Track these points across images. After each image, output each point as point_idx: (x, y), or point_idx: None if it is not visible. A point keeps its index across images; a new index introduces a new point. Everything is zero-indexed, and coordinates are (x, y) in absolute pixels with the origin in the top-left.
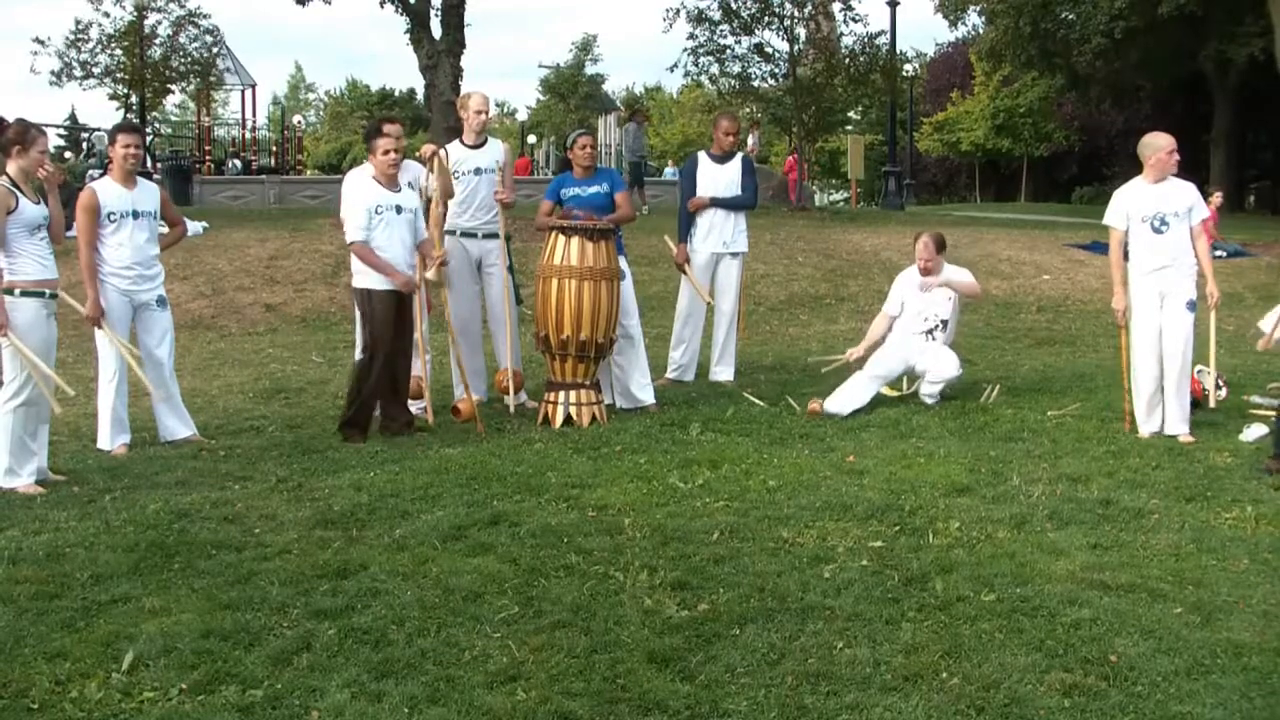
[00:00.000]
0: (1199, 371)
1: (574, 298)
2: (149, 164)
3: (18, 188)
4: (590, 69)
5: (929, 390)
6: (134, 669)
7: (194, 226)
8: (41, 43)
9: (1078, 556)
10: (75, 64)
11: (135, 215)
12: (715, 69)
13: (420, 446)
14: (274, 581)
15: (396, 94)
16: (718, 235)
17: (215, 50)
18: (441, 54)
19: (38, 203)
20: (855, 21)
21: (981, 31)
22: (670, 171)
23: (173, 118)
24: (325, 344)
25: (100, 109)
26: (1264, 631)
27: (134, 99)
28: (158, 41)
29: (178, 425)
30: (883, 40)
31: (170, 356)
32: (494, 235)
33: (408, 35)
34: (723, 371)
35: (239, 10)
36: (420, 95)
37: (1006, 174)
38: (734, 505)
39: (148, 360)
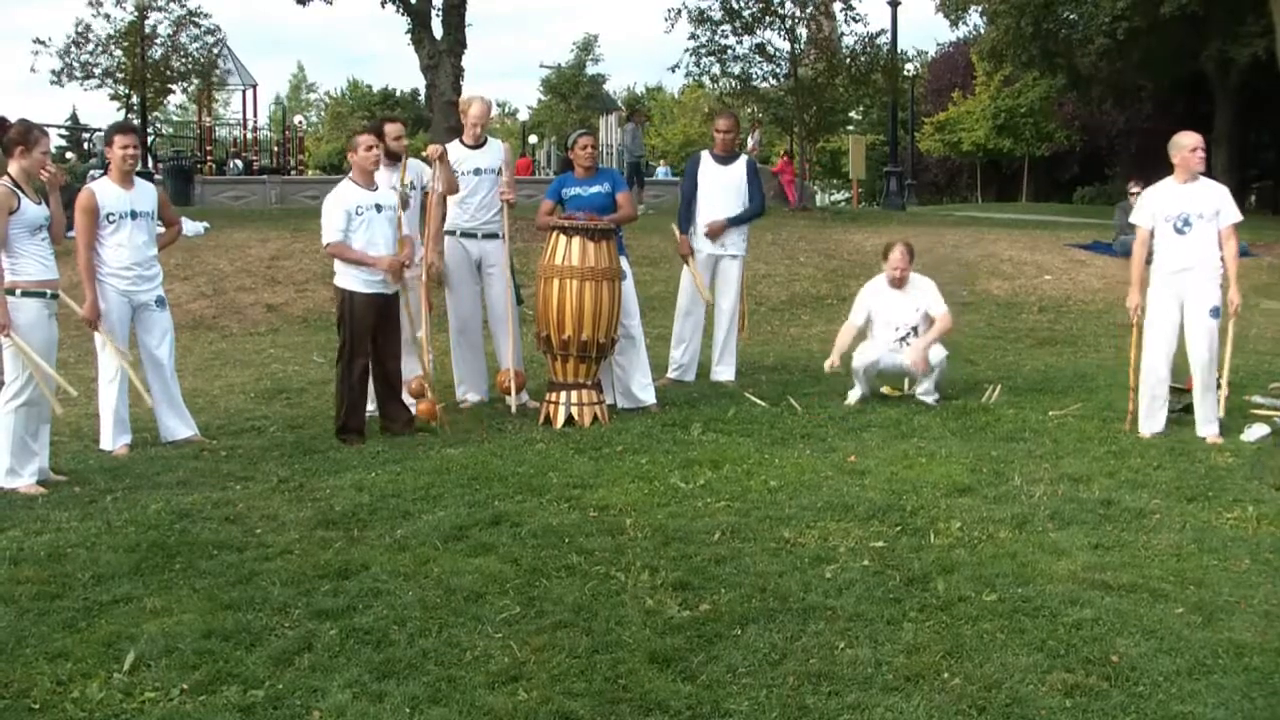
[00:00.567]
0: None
1: (575, 298)
2: (150, 164)
3: (19, 188)
4: (591, 69)
5: (925, 388)
6: (135, 669)
7: (195, 227)
8: (42, 43)
9: (1079, 556)
10: (76, 64)
11: (134, 216)
12: (716, 69)
13: (421, 447)
14: (275, 582)
15: (398, 94)
16: (716, 237)
17: (216, 50)
18: (442, 54)
19: (39, 203)
20: (855, 21)
21: (982, 31)
22: (662, 171)
23: (174, 118)
24: (326, 344)
25: (101, 109)
26: (1265, 631)
27: (135, 99)
28: (158, 41)
29: (179, 425)
30: (884, 40)
31: (171, 357)
32: (494, 235)
33: (409, 35)
34: (724, 371)
35: (239, 10)
36: (422, 95)
37: (1008, 174)
38: (735, 505)
39: (148, 361)
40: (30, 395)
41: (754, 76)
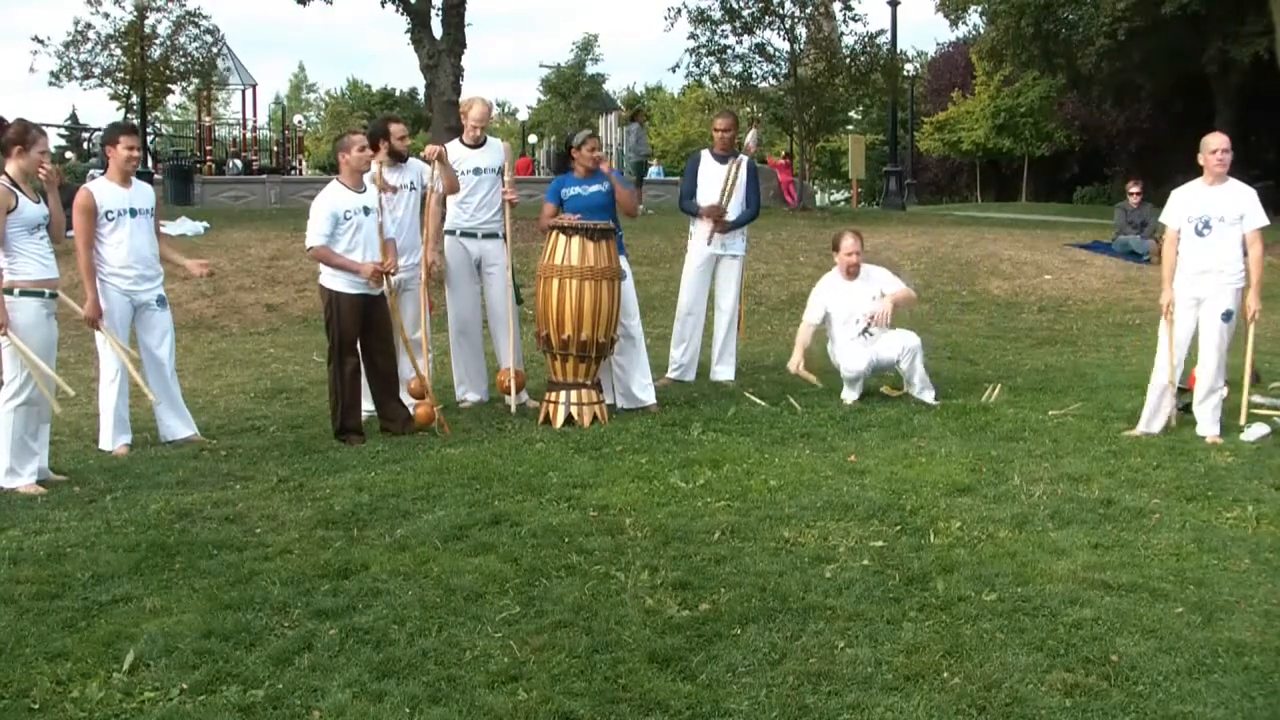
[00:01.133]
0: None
1: (575, 297)
2: (149, 164)
3: (17, 187)
4: (591, 69)
5: (918, 383)
6: (135, 669)
7: (194, 227)
8: (41, 42)
9: (1079, 556)
10: (75, 64)
11: (133, 213)
12: (716, 69)
13: (421, 446)
14: (275, 581)
15: (397, 94)
16: (716, 237)
17: (215, 50)
18: (442, 54)
19: (38, 202)
20: (854, 21)
21: (982, 31)
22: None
23: (174, 118)
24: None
25: (101, 109)
26: (1265, 631)
27: (134, 99)
28: (158, 41)
29: (179, 425)
30: (883, 39)
31: (171, 357)
32: (494, 235)
33: (408, 35)
34: (724, 371)
35: (239, 10)
36: (421, 95)
37: (1007, 174)
38: (735, 505)
39: (148, 360)
40: (30, 395)
41: (754, 76)
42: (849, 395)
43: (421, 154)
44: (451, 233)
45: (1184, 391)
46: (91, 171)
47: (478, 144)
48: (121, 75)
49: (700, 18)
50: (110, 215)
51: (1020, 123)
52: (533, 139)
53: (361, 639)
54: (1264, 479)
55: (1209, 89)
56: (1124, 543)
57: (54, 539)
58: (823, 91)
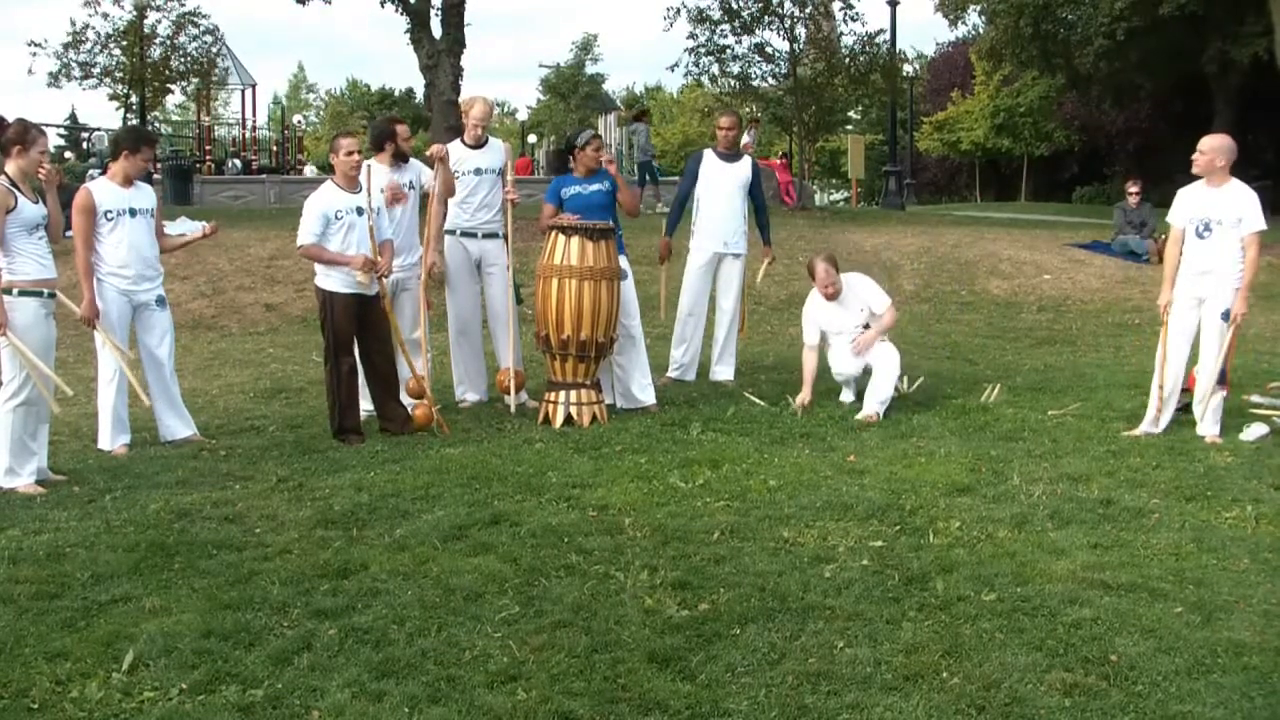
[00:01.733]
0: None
1: (574, 297)
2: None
3: (17, 187)
4: (590, 69)
5: (877, 396)
6: (134, 669)
7: (193, 226)
8: (39, 45)
9: (1078, 556)
10: (74, 64)
11: (132, 213)
12: (715, 69)
13: (420, 446)
14: (274, 581)
15: (396, 94)
16: (719, 235)
17: (215, 50)
18: (442, 54)
19: (37, 202)
20: (853, 20)
21: (981, 31)
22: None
23: (173, 118)
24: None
25: (100, 109)
26: (1264, 631)
27: (134, 99)
28: (157, 41)
29: (178, 425)
30: (882, 39)
31: (171, 357)
32: (494, 235)
33: (408, 35)
34: (723, 371)
35: (239, 10)
36: (420, 95)
37: (1007, 173)
38: (734, 505)
39: (148, 360)
40: (28, 395)
41: (753, 76)
42: (846, 395)
43: (427, 154)
44: (452, 232)
45: (1184, 391)
46: (91, 172)
47: (479, 144)
48: (121, 75)
49: (699, 18)
50: (109, 215)
51: (1019, 123)
52: (532, 139)
53: (361, 639)
54: (1263, 479)
55: (1208, 89)
56: (1123, 543)
57: (53, 539)
58: (822, 91)
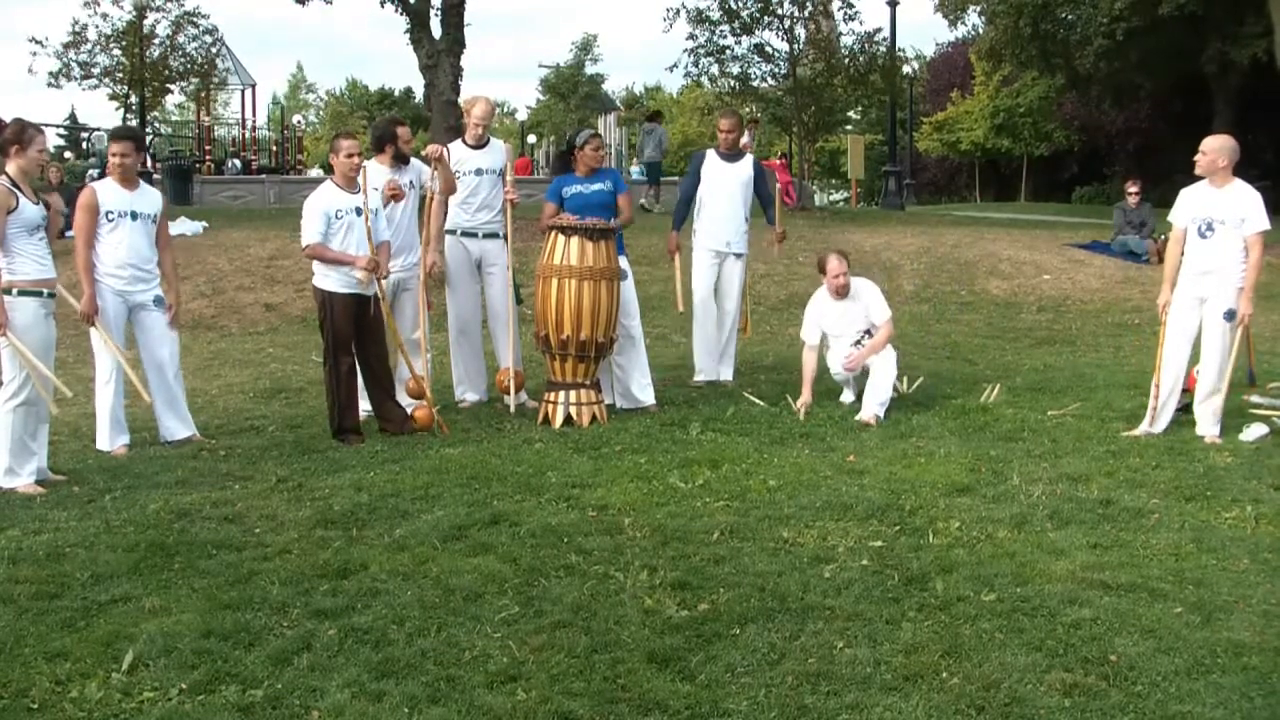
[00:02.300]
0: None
1: (574, 297)
2: (149, 164)
3: (18, 187)
4: (590, 69)
5: (875, 398)
6: (134, 669)
7: (193, 226)
8: (39, 43)
9: (1078, 556)
10: (74, 64)
11: (134, 216)
12: (715, 69)
13: (420, 446)
14: (274, 581)
15: (395, 94)
16: (721, 235)
17: (214, 50)
18: (441, 54)
19: (37, 203)
20: (850, 20)
21: (981, 31)
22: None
23: (173, 118)
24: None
25: (100, 109)
26: (1264, 631)
27: (134, 99)
28: (157, 41)
29: (177, 426)
30: (881, 37)
31: (174, 358)
32: (494, 235)
33: (408, 35)
34: (723, 371)
35: (239, 10)
36: (419, 95)
37: (1006, 173)
38: (734, 505)
39: (149, 362)
40: (28, 395)
41: (752, 77)
42: (847, 395)
43: (423, 153)
44: (452, 232)
45: (1184, 392)
46: (91, 171)
47: (480, 144)
48: (121, 75)
49: (699, 18)
50: (111, 216)
51: (1019, 123)
52: (532, 139)
53: (360, 639)
54: (1263, 479)
55: (1208, 89)
56: (1123, 543)
57: (53, 539)
58: (822, 91)
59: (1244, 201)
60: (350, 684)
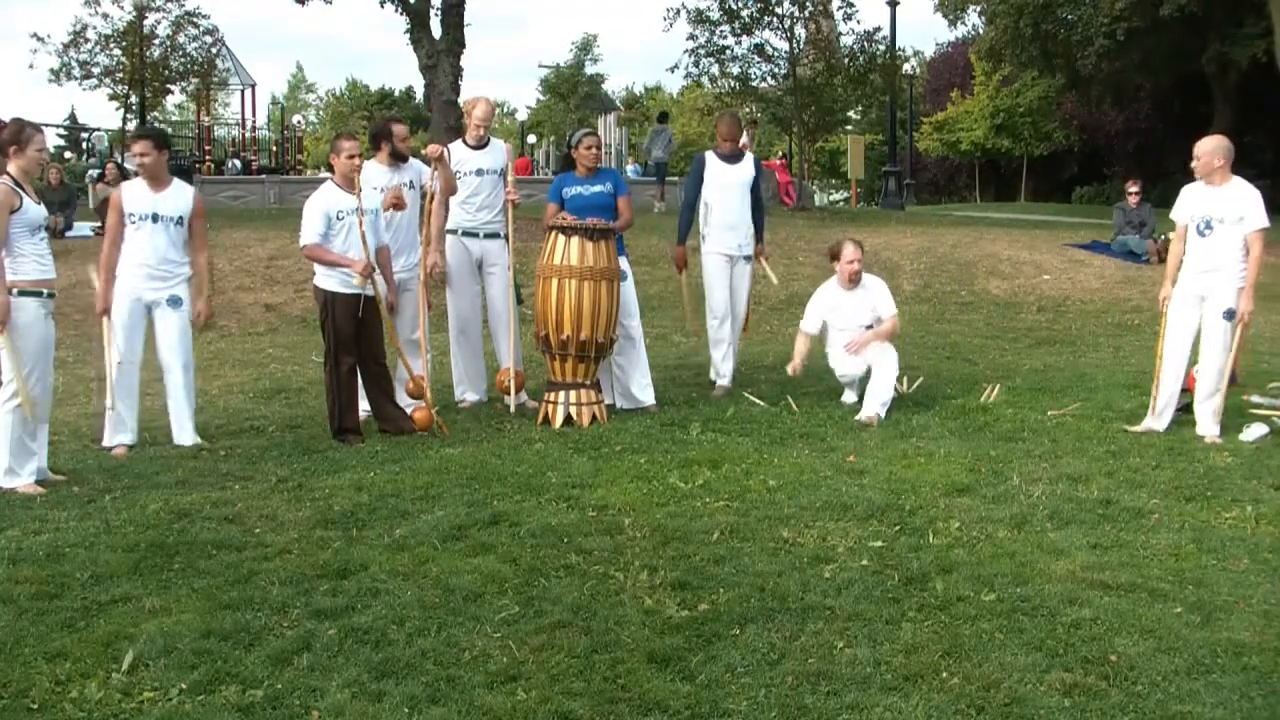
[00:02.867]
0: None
1: (574, 298)
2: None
3: (20, 187)
4: (590, 69)
5: (876, 397)
6: (134, 669)
7: None
8: (41, 39)
9: (1078, 556)
10: (75, 63)
11: (155, 219)
12: (715, 69)
13: (420, 446)
14: (274, 581)
15: (395, 94)
16: (732, 239)
17: (215, 50)
18: (441, 54)
19: (38, 203)
20: (849, 19)
21: (981, 31)
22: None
23: (173, 118)
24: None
25: (100, 109)
26: (1264, 631)
27: (134, 99)
28: (157, 41)
29: (176, 429)
30: (880, 35)
31: (180, 359)
32: (495, 235)
33: (407, 35)
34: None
35: (239, 10)
36: (419, 95)
37: (1006, 174)
38: (734, 505)
39: (161, 361)
40: (29, 395)
41: (753, 77)
42: (848, 396)
43: (423, 152)
44: (453, 232)
45: (1184, 392)
46: (91, 172)
47: (481, 144)
48: (121, 75)
49: (699, 18)
50: (133, 218)
51: (1019, 123)
52: (531, 139)
53: (360, 639)
54: (1263, 479)
55: (1208, 89)
56: (1123, 543)
57: (53, 539)
58: (821, 91)
59: (1243, 199)
60: (350, 684)
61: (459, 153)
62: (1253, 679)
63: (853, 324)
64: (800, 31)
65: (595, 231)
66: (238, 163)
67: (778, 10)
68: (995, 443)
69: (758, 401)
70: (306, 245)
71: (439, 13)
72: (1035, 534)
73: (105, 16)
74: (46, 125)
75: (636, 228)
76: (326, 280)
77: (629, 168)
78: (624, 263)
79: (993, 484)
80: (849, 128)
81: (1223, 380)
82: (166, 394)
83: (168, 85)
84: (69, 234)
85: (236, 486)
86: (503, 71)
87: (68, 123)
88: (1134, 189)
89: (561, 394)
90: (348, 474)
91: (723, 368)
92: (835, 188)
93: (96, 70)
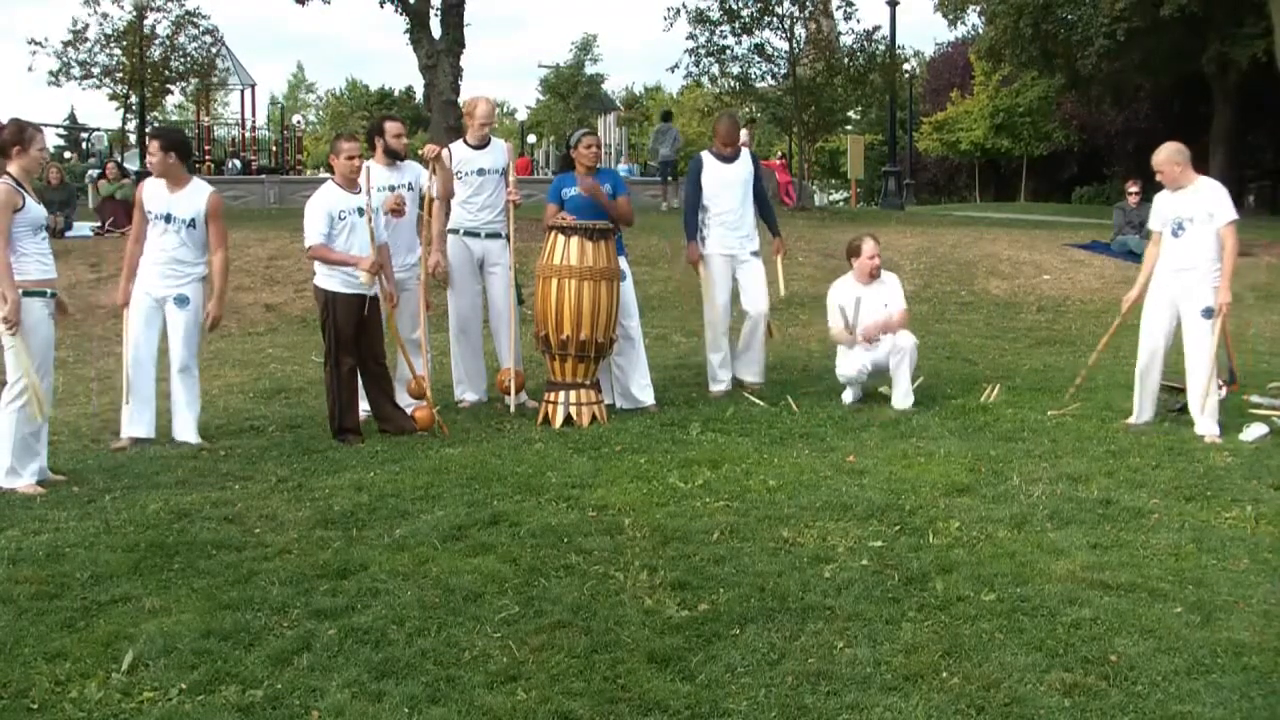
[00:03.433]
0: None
1: (574, 297)
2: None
3: (22, 187)
4: (590, 69)
5: (899, 389)
6: (134, 669)
7: None
8: (39, 43)
9: (1078, 556)
10: (74, 64)
11: (168, 219)
12: (715, 69)
13: (420, 446)
14: (274, 581)
15: (395, 94)
16: (732, 239)
17: (214, 50)
18: (441, 54)
19: (40, 203)
20: (848, 19)
21: (981, 31)
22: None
23: (173, 118)
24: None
25: (100, 109)
26: (1264, 631)
27: (134, 99)
28: (157, 41)
29: (179, 426)
30: (880, 35)
31: (184, 358)
32: (497, 235)
33: (407, 35)
34: (750, 374)
35: (239, 10)
36: (419, 95)
37: (1006, 174)
38: (734, 505)
39: (170, 357)
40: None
41: (753, 77)
42: (848, 396)
43: (420, 152)
44: (455, 232)
45: (1180, 391)
46: (90, 172)
47: (483, 144)
48: (121, 75)
49: (699, 18)
50: (150, 216)
51: (1019, 123)
52: (531, 139)
53: (360, 639)
54: (1263, 479)
55: (1208, 89)
56: (1123, 543)
57: (53, 539)
58: (821, 91)
59: (1209, 197)
60: (350, 684)
61: (460, 153)
62: (1253, 679)
63: (866, 318)
64: (800, 31)
65: (595, 231)
66: (237, 163)
67: (778, 10)
68: (995, 443)
69: (758, 402)
70: (311, 246)
71: (439, 13)
72: (1035, 534)
73: (105, 16)
74: (46, 125)
75: (637, 228)
76: (327, 280)
77: (622, 167)
78: (624, 263)
79: (993, 484)
80: (849, 128)
81: (1212, 378)
82: (170, 390)
83: (168, 85)
84: (69, 234)
85: (236, 486)
86: (503, 71)
87: (67, 123)
88: (1134, 189)
89: (561, 394)
90: (348, 474)
91: (720, 374)
92: (835, 188)
93: (96, 70)
